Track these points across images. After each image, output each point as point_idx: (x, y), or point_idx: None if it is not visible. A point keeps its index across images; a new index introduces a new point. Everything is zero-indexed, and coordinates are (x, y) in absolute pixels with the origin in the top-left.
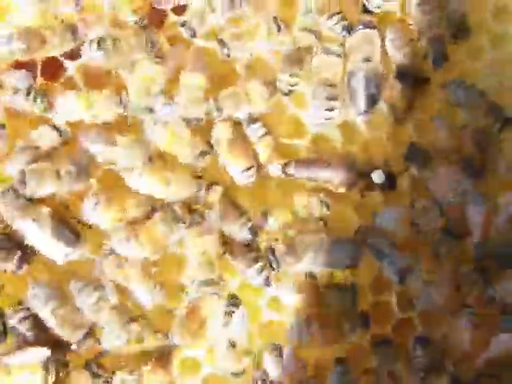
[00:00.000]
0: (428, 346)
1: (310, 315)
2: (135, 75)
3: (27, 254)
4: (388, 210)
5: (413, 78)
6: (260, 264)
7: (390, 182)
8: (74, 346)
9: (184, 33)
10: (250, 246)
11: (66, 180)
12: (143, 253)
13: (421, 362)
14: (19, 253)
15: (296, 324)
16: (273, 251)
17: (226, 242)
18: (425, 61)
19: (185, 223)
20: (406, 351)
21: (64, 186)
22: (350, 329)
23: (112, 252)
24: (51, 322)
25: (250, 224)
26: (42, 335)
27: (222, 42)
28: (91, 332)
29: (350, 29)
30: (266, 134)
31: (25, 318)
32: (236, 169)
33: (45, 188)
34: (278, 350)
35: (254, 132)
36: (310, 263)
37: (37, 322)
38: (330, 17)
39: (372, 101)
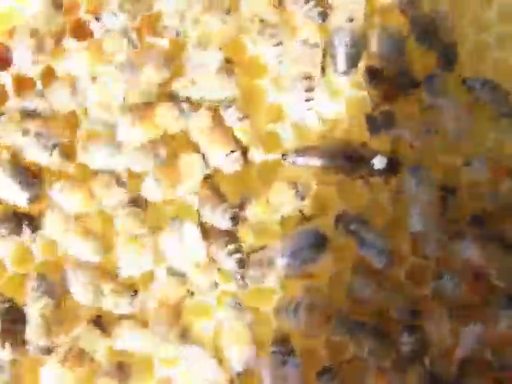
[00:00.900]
0: (415, 334)
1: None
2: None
3: (33, 220)
4: None
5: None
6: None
7: (392, 166)
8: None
9: None
10: (226, 232)
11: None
12: None
13: (406, 350)
14: (26, 221)
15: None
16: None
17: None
18: None
19: None
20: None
21: None
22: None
23: None
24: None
25: (231, 211)
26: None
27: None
28: None
29: (325, 16)
30: (243, 117)
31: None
32: (219, 155)
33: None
34: None
35: (230, 116)
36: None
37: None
38: (307, 1)
39: (352, 61)
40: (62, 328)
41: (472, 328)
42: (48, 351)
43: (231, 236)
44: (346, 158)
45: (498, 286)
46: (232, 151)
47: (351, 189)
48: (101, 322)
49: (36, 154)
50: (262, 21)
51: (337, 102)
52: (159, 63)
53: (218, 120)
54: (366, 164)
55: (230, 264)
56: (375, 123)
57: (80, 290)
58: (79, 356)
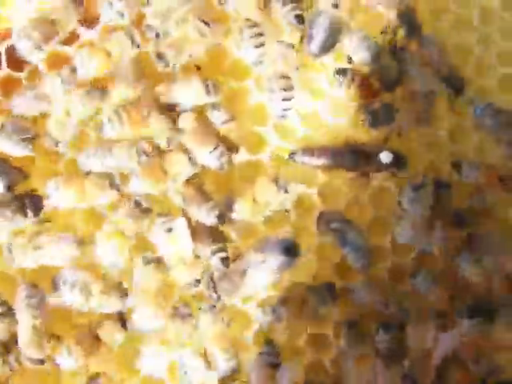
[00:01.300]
0: (391, 331)
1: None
2: None
3: (34, 198)
4: None
5: None
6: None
7: (399, 160)
8: None
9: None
10: (212, 230)
11: None
12: None
13: (383, 347)
14: (27, 202)
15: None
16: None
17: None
18: None
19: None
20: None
21: None
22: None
23: None
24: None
25: (216, 209)
26: None
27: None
28: None
29: (302, 20)
30: (229, 120)
31: None
32: (203, 152)
33: None
34: None
35: (216, 118)
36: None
37: None
38: (285, 4)
39: (326, 47)
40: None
41: (451, 334)
42: (41, 362)
43: (217, 234)
44: (353, 155)
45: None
46: (215, 147)
47: (334, 189)
48: None
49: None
50: (246, 21)
51: (317, 101)
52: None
53: (201, 119)
54: (373, 160)
55: (214, 262)
56: (377, 116)
57: (69, 294)
58: None
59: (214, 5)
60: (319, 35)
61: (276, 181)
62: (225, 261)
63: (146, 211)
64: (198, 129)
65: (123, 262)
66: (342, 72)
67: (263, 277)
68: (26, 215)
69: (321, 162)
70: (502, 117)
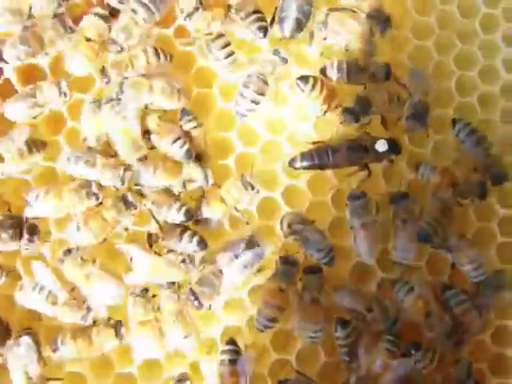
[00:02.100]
0: (347, 328)
1: None
2: None
3: (33, 227)
4: None
5: None
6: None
7: (394, 147)
8: None
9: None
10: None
11: None
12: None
13: (342, 344)
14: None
15: None
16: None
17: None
18: None
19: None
20: None
21: None
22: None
23: None
24: None
25: (185, 207)
26: None
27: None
28: None
29: (265, 31)
30: (197, 125)
31: None
32: (167, 143)
33: None
34: None
35: (185, 124)
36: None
37: None
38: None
39: (297, 26)
40: None
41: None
42: None
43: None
44: (351, 149)
45: None
46: (178, 137)
47: (297, 191)
48: None
49: None
50: (209, 34)
51: (281, 107)
52: None
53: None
54: (370, 151)
55: (191, 248)
56: (355, 112)
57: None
58: None
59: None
60: (292, 17)
61: (242, 178)
62: (201, 243)
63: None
64: (163, 124)
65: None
66: (303, 79)
67: (236, 274)
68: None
69: (323, 163)
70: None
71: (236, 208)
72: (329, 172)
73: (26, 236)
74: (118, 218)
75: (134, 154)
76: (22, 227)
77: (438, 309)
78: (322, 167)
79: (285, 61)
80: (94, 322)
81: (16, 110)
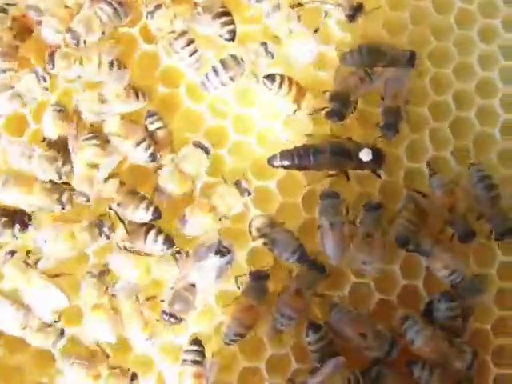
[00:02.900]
0: (319, 332)
1: None
2: None
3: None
4: None
5: None
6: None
7: (378, 158)
8: None
9: None
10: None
11: None
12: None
13: (313, 349)
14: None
15: None
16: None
17: None
18: None
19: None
20: None
21: None
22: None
23: None
24: None
25: (152, 206)
26: None
27: None
28: None
29: (233, 35)
30: (162, 126)
31: None
32: (130, 146)
33: None
34: None
35: (150, 124)
36: None
37: None
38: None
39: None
40: None
41: None
42: None
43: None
44: (334, 154)
45: None
46: (142, 140)
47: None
48: None
49: None
50: (172, 32)
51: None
52: None
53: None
54: (353, 158)
55: (156, 248)
56: (337, 111)
57: None
58: None
59: None
60: None
61: (238, 184)
62: (166, 242)
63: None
64: (125, 126)
65: None
66: (270, 77)
67: (208, 282)
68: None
69: (303, 163)
70: None
71: (226, 216)
72: (299, 174)
73: (17, 226)
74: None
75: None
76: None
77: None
78: (301, 168)
79: (270, 55)
80: None
81: None
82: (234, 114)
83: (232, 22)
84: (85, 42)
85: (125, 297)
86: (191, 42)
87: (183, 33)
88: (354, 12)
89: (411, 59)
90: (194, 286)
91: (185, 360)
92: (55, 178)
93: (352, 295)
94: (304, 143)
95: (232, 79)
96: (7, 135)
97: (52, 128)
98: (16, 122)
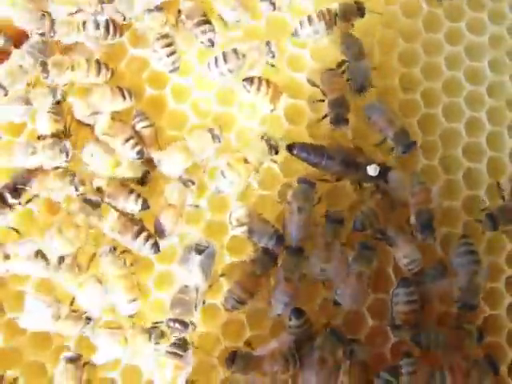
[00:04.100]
0: (301, 318)
1: None
2: None
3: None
4: None
5: None
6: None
7: (384, 175)
8: None
9: None
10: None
11: None
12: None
13: (291, 332)
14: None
15: None
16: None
17: None
18: None
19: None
20: None
21: None
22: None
23: None
24: None
25: (141, 198)
26: None
27: None
28: None
29: (212, 43)
30: (149, 125)
31: None
32: (119, 143)
33: None
34: None
35: (137, 123)
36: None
37: None
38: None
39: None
40: None
41: None
42: None
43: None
44: (344, 163)
45: None
46: (128, 138)
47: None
48: None
49: None
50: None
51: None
52: None
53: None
54: (360, 170)
55: (144, 250)
56: (341, 116)
57: None
58: None
59: None
60: None
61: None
62: (154, 246)
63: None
64: (114, 126)
65: None
66: (248, 79)
67: (197, 280)
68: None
69: (315, 162)
70: None
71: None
72: (276, 168)
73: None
74: (88, 221)
75: None
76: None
77: None
78: (312, 165)
79: (272, 55)
80: None
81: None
82: (215, 113)
83: (211, 30)
84: None
85: (111, 261)
86: (170, 44)
87: (166, 35)
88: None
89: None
90: (187, 286)
91: (169, 352)
92: (63, 160)
93: None
94: (323, 145)
95: (230, 71)
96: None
97: (47, 125)
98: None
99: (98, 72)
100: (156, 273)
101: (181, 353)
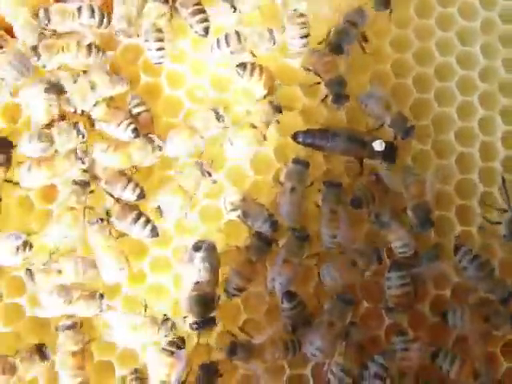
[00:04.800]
0: (293, 300)
1: None
2: None
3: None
4: None
5: None
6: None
7: (390, 152)
8: None
9: None
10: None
11: None
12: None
13: (286, 315)
14: None
15: None
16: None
17: None
18: None
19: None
20: None
21: None
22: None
23: None
24: None
25: (139, 188)
26: None
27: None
28: None
29: (207, 31)
30: (144, 110)
31: None
32: (113, 127)
33: None
34: None
35: (133, 108)
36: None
37: None
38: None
39: None
40: None
41: None
42: None
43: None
44: (350, 140)
45: None
46: (121, 121)
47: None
48: None
49: None
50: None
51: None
52: None
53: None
54: (367, 147)
55: (143, 234)
56: (340, 95)
57: None
58: None
59: None
60: None
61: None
62: (153, 230)
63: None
64: (109, 112)
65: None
66: (241, 65)
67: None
68: None
69: (321, 144)
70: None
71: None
72: (271, 152)
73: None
74: (81, 200)
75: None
76: None
77: None
78: (319, 148)
79: (272, 41)
80: None
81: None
82: (210, 98)
83: (206, 20)
84: None
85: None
86: (161, 40)
87: (159, 30)
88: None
89: None
90: (197, 283)
91: (164, 349)
92: (80, 140)
93: None
94: (326, 127)
95: (232, 53)
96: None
97: (43, 112)
98: (10, 110)
99: (89, 53)
100: (151, 258)
101: (174, 350)
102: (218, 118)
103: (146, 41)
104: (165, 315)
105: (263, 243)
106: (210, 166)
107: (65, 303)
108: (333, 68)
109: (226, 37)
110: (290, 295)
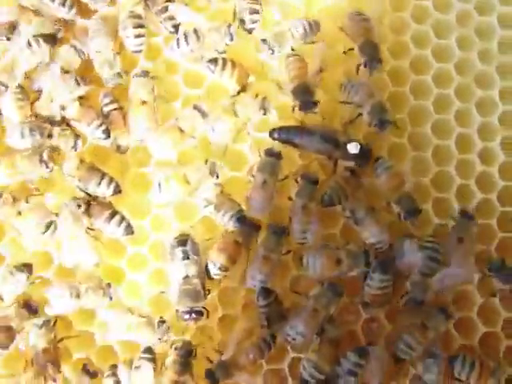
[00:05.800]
0: (269, 297)
1: None
2: None
3: None
4: None
5: None
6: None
7: (364, 156)
8: None
9: None
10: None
11: None
12: None
13: (262, 311)
14: None
15: None
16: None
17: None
18: None
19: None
20: None
21: None
22: None
23: None
24: None
25: (114, 182)
26: None
27: None
28: None
29: (177, 28)
30: (116, 108)
31: None
32: (84, 126)
33: None
34: None
35: (105, 106)
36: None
37: None
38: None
39: None
40: None
41: None
42: None
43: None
44: (323, 139)
45: None
46: (93, 120)
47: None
48: None
49: None
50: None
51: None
52: None
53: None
54: (340, 148)
55: (118, 233)
56: (307, 101)
57: None
58: None
59: None
60: None
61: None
62: (127, 228)
63: None
64: (80, 110)
65: None
66: (212, 60)
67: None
68: None
69: (295, 141)
70: None
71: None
72: (245, 148)
73: None
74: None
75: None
76: None
77: None
78: (294, 145)
79: (230, 37)
80: None
81: None
82: (183, 95)
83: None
84: None
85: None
86: (141, 26)
87: (138, 16)
88: None
89: None
90: (186, 277)
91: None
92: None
93: None
94: (302, 125)
95: (192, 51)
96: None
97: (14, 111)
98: None
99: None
100: (128, 255)
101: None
102: (202, 114)
103: (124, 28)
104: (161, 317)
105: (248, 228)
106: (220, 169)
107: (72, 297)
108: (300, 75)
109: (185, 36)
110: (265, 292)
